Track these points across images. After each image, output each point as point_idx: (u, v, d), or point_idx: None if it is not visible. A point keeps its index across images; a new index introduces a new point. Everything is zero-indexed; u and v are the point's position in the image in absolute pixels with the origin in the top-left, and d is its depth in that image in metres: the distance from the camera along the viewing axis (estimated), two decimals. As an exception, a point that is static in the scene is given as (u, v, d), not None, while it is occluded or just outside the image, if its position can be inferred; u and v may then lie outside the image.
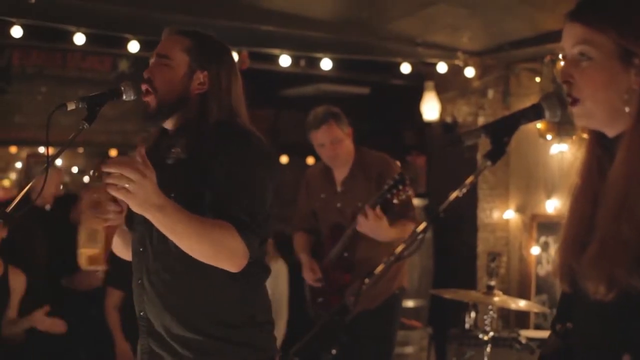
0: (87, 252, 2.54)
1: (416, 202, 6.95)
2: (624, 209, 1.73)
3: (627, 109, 1.79)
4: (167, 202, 2.39)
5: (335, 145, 4.90)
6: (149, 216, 2.40)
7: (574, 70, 1.85)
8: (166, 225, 2.43)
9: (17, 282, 5.13)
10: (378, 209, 4.57)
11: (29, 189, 2.65)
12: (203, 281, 2.65)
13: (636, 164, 1.75)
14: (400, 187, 4.55)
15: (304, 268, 5.12)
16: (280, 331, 5.85)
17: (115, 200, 2.61)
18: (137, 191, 2.30)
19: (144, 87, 2.79)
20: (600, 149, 1.90)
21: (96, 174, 2.48)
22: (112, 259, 2.97)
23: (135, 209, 2.37)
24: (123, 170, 2.29)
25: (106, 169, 2.30)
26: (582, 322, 1.94)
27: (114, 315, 5.63)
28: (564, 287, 1.96)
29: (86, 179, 9.40)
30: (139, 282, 2.78)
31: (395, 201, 4.57)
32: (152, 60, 2.85)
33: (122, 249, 2.94)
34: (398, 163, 5.06)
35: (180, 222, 2.43)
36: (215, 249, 2.50)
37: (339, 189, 5.03)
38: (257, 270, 2.73)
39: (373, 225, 4.57)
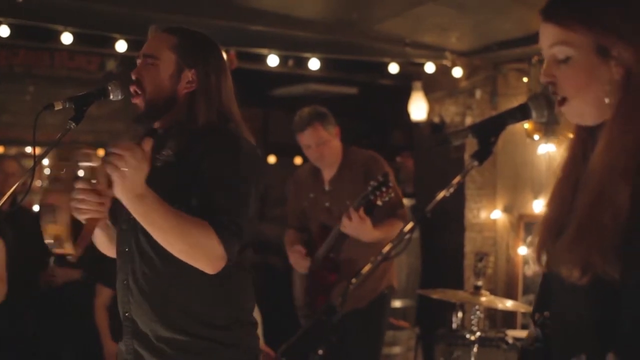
0: (48, 230, 2.49)
1: (404, 202, 6.98)
2: (602, 197, 1.75)
3: (606, 100, 1.81)
4: (148, 192, 2.41)
5: (320, 147, 4.91)
6: (128, 204, 2.41)
7: (554, 70, 1.86)
8: (143, 214, 2.44)
9: None
10: (361, 211, 4.58)
11: (15, 189, 2.64)
12: (188, 282, 2.64)
13: (615, 154, 1.77)
14: (384, 189, 4.55)
15: (290, 253, 5.12)
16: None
17: (97, 192, 2.58)
18: (130, 176, 2.33)
19: (132, 88, 2.76)
20: (586, 133, 1.92)
21: (56, 174, 2.49)
22: (102, 255, 2.96)
23: (118, 192, 2.38)
24: (127, 153, 2.32)
25: (115, 150, 2.33)
26: (558, 306, 1.96)
27: (102, 315, 5.57)
28: (541, 268, 1.98)
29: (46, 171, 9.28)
30: (124, 282, 2.76)
31: (379, 202, 4.57)
32: (139, 61, 2.81)
33: (106, 246, 2.91)
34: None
35: (157, 213, 2.44)
36: (190, 246, 2.49)
37: (327, 188, 5.04)
38: (240, 271, 2.72)
39: (356, 226, 4.60)
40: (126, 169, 2.32)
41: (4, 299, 5.05)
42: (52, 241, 2.49)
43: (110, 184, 2.44)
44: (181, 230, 2.47)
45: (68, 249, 2.49)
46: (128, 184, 2.34)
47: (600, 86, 1.81)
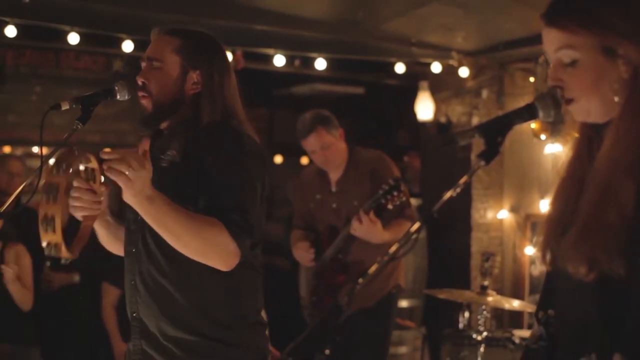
0: (45, 237, 2.54)
1: (411, 201, 6.98)
2: (608, 194, 1.75)
3: (616, 99, 1.81)
4: (157, 194, 2.42)
5: (325, 151, 4.90)
6: (138, 207, 2.42)
7: (561, 74, 1.86)
8: (155, 217, 2.45)
9: (12, 256, 5.07)
10: (372, 214, 4.58)
11: (22, 189, 2.64)
12: (195, 282, 2.65)
13: (621, 151, 1.77)
14: (395, 193, 4.55)
15: (296, 250, 5.11)
16: None
17: (93, 191, 2.61)
18: (135, 179, 2.34)
19: (140, 93, 2.78)
20: (592, 131, 1.92)
21: (49, 182, 2.50)
22: (108, 253, 2.97)
23: (128, 197, 2.39)
24: (125, 157, 2.33)
25: (107, 156, 2.34)
26: (563, 304, 1.95)
27: (111, 315, 5.55)
28: (547, 266, 1.98)
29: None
30: (132, 283, 2.77)
31: (389, 207, 4.57)
32: (143, 65, 2.83)
33: (109, 242, 2.92)
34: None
35: (168, 216, 2.45)
36: (204, 245, 2.50)
37: (333, 189, 5.03)
38: (248, 271, 2.73)
39: (367, 229, 4.59)
40: (129, 173, 2.33)
41: (29, 308, 5.08)
42: (48, 248, 2.53)
43: (104, 182, 2.49)
44: (193, 230, 2.48)
45: (64, 253, 2.52)
46: (136, 187, 2.36)
47: (609, 85, 1.81)
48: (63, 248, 2.52)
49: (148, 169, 2.39)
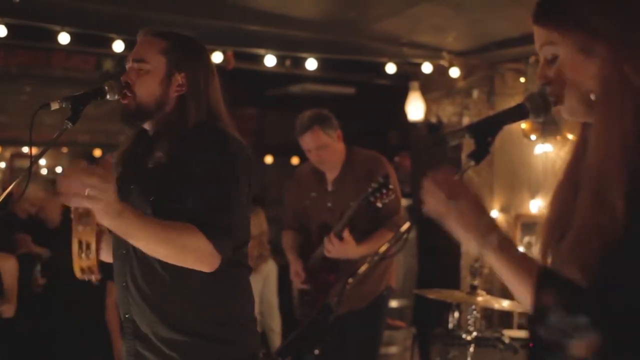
0: (80, 264, 2.57)
1: (402, 202, 6.99)
2: (599, 198, 1.75)
3: (592, 97, 1.82)
4: (124, 207, 2.34)
5: (320, 151, 4.90)
6: (107, 222, 2.35)
7: (547, 71, 1.88)
8: (125, 230, 2.40)
9: (6, 265, 5.08)
10: (346, 232, 4.66)
11: (11, 190, 2.63)
12: (185, 281, 2.66)
13: (605, 149, 1.77)
14: (384, 190, 4.57)
15: (291, 271, 5.17)
16: (275, 333, 5.91)
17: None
18: (101, 196, 2.24)
19: (123, 92, 2.77)
20: (588, 132, 1.93)
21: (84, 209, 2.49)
22: None
23: (99, 215, 2.32)
24: (83, 179, 2.22)
25: (64, 181, 2.23)
26: None
27: (113, 314, 5.55)
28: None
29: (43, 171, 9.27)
30: (124, 284, 2.77)
31: (378, 204, 4.59)
32: (128, 65, 2.82)
33: (105, 252, 2.93)
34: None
35: (138, 227, 2.41)
36: (178, 251, 2.50)
37: (329, 188, 5.04)
38: (237, 269, 2.73)
39: (339, 250, 4.70)
40: (93, 192, 2.22)
41: (11, 315, 5.11)
42: (82, 272, 2.57)
43: None
44: (165, 239, 2.47)
45: (97, 276, 2.58)
46: (104, 203, 2.25)
47: (586, 81, 1.83)
48: (97, 272, 2.58)
49: (112, 184, 2.28)
